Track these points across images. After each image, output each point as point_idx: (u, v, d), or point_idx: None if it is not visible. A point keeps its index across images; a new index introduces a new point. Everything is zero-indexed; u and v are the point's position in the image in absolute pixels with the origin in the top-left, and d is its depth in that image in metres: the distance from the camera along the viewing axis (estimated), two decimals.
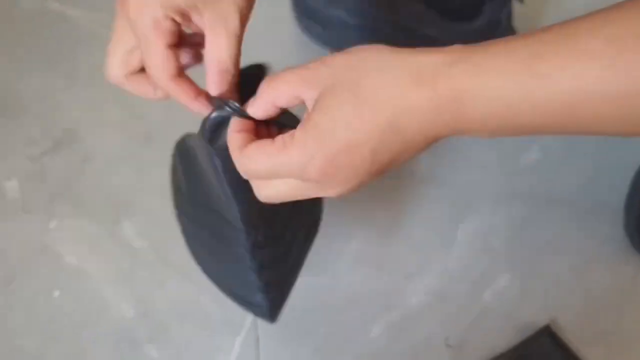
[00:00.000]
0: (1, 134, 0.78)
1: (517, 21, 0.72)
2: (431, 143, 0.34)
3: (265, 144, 0.35)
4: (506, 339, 0.61)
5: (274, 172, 0.35)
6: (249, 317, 0.64)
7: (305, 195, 0.36)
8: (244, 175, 0.36)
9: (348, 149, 0.33)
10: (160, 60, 0.38)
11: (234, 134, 0.36)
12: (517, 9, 0.71)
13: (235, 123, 0.37)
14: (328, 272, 0.66)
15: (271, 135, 0.37)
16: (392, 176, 0.69)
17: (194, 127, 0.42)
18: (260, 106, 0.36)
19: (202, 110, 0.39)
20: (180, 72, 0.39)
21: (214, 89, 0.38)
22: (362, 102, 0.32)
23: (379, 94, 0.32)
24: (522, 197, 0.69)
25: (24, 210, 0.72)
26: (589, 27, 0.29)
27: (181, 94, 0.39)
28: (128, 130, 0.78)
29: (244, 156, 0.35)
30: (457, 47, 0.32)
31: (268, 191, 0.37)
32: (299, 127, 0.34)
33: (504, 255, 0.65)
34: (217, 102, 0.38)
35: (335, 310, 0.63)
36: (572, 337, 0.60)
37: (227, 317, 0.64)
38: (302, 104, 0.35)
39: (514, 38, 0.31)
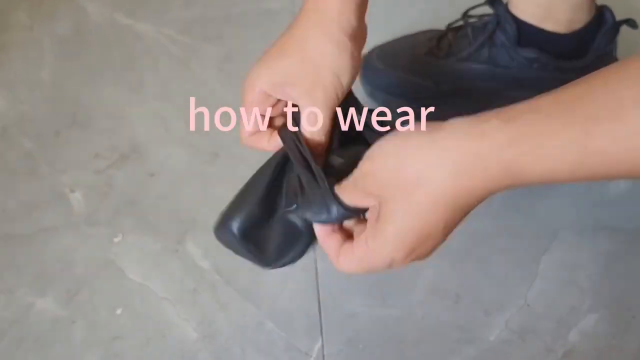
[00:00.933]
0: (68, 146, 0.78)
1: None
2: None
3: (351, 251, 0.41)
4: None
5: (367, 271, 0.41)
6: (315, 345, 0.60)
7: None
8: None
9: (421, 241, 0.38)
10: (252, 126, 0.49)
11: (326, 241, 0.43)
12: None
13: (322, 231, 0.43)
14: (400, 303, 0.62)
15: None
16: None
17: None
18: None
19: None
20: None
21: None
22: (417, 206, 0.37)
23: (431, 195, 0.36)
24: (609, 228, 0.64)
25: (88, 223, 0.71)
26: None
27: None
28: (194, 147, 0.77)
29: (340, 265, 0.42)
30: (497, 126, 0.34)
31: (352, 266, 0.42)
32: (369, 232, 0.39)
33: (591, 292, 0.60)
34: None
35: (409, 344, 0.60)
36: None
37: (291, 344, 0.61)
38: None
39: (558, 98, 0.33)
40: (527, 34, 0.68)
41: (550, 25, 0.67)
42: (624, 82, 0.31)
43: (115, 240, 0.70)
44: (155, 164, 0.76)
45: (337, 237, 0.42)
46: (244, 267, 0.66)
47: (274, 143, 0.48)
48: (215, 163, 0.76)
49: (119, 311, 0.64)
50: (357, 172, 0.40)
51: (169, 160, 0.76)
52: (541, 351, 0.58)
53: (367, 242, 0.39)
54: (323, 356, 0.60)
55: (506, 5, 0.69)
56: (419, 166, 0.36)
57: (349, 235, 0.43)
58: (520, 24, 0.67)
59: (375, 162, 0.39)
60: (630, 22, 0.68)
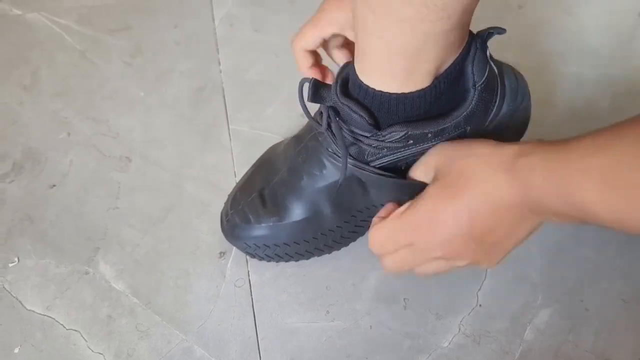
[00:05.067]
0: None
1: None
2: (531, 223, 0.45)
3: (388, 219, 0.49)
4: None
5: (392, 242, 0.48)
6: None
7: (443, 269, 0.49)
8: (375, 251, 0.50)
9: (458, 237, 0.45)
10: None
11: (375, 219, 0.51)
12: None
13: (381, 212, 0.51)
14: (345, 314, 0.56)
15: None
16: None
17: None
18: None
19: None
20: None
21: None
22: (462, 204, 0.44)
23: (483, 193, 0.43)
24: None
25: None
26: None
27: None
28: (101, 151, 0.68)
29: (372, 234, 0.49)
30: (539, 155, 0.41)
31: (394, 262, 0.49)
32: (410, 205, 0.47)
33: (543, 286, 0.57)
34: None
35: (357, 358, 0.54)
36: None
37: None
38: None
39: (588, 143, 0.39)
40: (385, 108, 0.46)
41: (412, 84, 0.45)
42: None
43: (10, 265, 0.59)
44: (55, 173, 0.66)
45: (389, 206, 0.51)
46: (165, 286, 0.58)
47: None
48: (127, 169, 0.66)
49: (16, 350, 0.54)
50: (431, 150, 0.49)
51: (72, 168, 0.66)
52: (497, 353, 0.54)
53: (404, 211, 0.47)
54: None
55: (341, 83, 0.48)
56: (482, 168, 0.44)
57: None
58: (373, 98, 0.46)
59: (450, 147, 0.47)
60: (497, 30, 0.47)
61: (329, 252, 0.58)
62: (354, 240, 0.59)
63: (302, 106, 0.51)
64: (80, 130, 0.70)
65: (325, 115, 0.48)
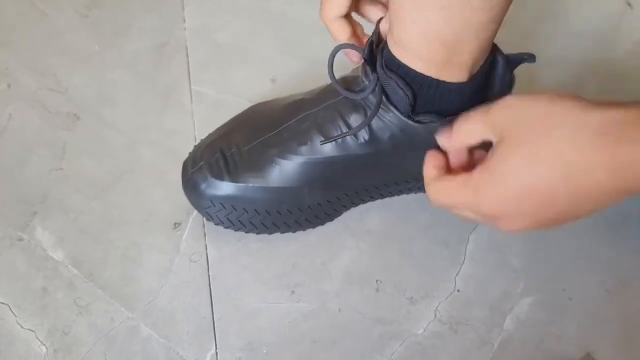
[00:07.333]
0: None
1: None
2: (606, 202, 0.35)
3: (448, 181, 0.40)
4: None
5: (453, 206, 0.40)
6: (207, 353, 0.48)
7: (481, 222, 0.40)
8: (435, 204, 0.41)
9: (516, 198, 0.36)
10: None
11: (431, 169, 0.42)
12: None
13: (433, 159, 0.42)
14: (311, 295, 0.51)
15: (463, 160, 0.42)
16: None
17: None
18: (455, 146, 0.41)
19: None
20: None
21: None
22: (536, 159, 0.34)
23: (554, 153, 0.34)
24: None
25: None
26: None
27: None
28: (47, 107, 0.61)
29: (431, 189, 0.41)
30: (621, 106, 0.32)
31: (454, 211, 0.41)
32: (478, 168, 0.37)
33: (524, 273, 0.53)
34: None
35: (323, 344, 0.49)
36: None
37: (175, 354, 0.47)
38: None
39: None
40: (424, 92, 0.45)
41: (449, 74, 0.44)
42: None
43: None
44: None
45: (441, 170, 0.42)
46: (111, 257, 0.51)
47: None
48: (74, 127, 0.60)
49: None
50: (498, 107, 0.37)
51: (11, 123, 0.59)
52: (475, 343, 0.50)
53: (465, 178, 0.38)
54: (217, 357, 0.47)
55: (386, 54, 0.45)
56: (561, 120, 0.34)
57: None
58: (414, 79, 0.44)
59: (523, 102, 0.36)
60: (527, 57, 0.47)
61: (294, 231, 0.53)
62: (323, 224, 0.54)
63: (330, 73, 0.47)
64: (24, 83, 0.62)
65: (378, 87, 0.45)
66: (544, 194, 0.35)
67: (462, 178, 0.38)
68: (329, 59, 0.47)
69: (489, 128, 0.37)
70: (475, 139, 0.39)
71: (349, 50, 0.48)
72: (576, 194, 0.34)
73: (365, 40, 0.50)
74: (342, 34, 0.49)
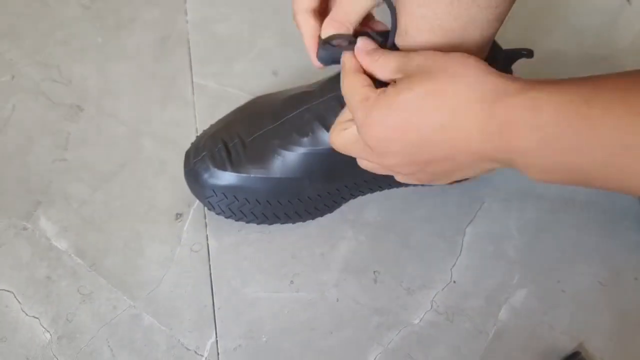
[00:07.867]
0: None
1: None
2: (484, 166, 0.38)
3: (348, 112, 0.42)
4: None
5: (350, 135, 0.42)
6: (208, 341, 0.49)
7: (365, 157, 0.42)
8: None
9: (396, 129, 0.38)
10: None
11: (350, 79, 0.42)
12: None
13: (350, 58, 0.43)
14: (310, 285, 0.52)
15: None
16: None
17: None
18: (363, 67, 0.42)
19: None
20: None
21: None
22: (427, 99, 0.37)
23: (444, 100, 0.36)
24: (535, 196, 0.58)
25: None
26: None
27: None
28: (50, 98, 0.61)
29: (346, 80, 0.42)
30: (520, 79, 0.35)
31: (339, 140, 0.43)
32: (378, 91, 0.39)
33: (519, 265, 0.54)
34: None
35: (321, 333, 0.50)
36: None
37: (176, 341, 0.48)
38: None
39: (571, 81, 0.34)
40: None
41: None
42: None
43: None
44: None
45: (363, 77, 0.41)
46: (114, 247, 0.52)
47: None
48: (78, 119, 0.60)
49: None
50: (413, 52, 0.39)
51: (15, 114, 0.60)
52: (471, 332, 0.51)
53: (370, 97, 0.39)
54: (217, 354, 0.48)
55: None
56: (459, 76, 0.36)
57: None
58: None
59: (438, 56, 0.38)
60: (526, 52, 0.50)
61: (294, 222, 0.54)
62: (322, 215, 0.55)
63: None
64: (27, 74, 0.63)
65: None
66: (422, 134, 0.37)
67: (363, 97, 0.39)
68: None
69: (401, 68, 0.39)
70: (384, 74, 0.40)
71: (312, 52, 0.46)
72: (449, 146, 0.37)
73: (378, 26, 0.48)
74: (307, 29, 0.46)
